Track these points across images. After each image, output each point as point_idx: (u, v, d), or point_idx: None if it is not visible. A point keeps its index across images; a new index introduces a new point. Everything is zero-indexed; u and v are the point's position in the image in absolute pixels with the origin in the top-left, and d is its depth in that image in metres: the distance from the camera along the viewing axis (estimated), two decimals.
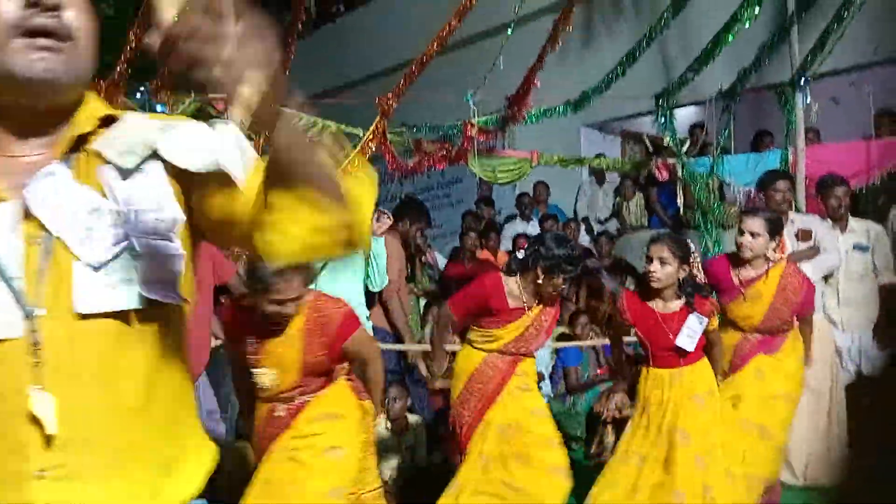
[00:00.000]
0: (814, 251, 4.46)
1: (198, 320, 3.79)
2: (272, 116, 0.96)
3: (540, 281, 3.25)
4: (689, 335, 3.19)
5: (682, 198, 5.94)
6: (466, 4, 4.18)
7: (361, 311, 4.48)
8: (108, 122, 1.16)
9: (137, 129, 1.16)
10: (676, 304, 3.26)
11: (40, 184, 1.07)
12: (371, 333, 4.25)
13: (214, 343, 3.99)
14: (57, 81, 1.08)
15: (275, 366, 2.74)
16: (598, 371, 5.86)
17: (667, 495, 3.09)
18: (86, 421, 1.07)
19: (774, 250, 3.54)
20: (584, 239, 7.24)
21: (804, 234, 4.59)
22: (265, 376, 2.74)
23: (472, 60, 5.94)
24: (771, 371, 3.53)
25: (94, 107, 1.17)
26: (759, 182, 4.81)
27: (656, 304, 3.27)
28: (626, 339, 3.77)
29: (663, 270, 3.19)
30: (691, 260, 3.29)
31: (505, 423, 3.28)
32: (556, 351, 6.06)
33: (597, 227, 7.78)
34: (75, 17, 1.09)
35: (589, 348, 5.88)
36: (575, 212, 8.19)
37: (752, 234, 3.48)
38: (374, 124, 4.57)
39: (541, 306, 3.35)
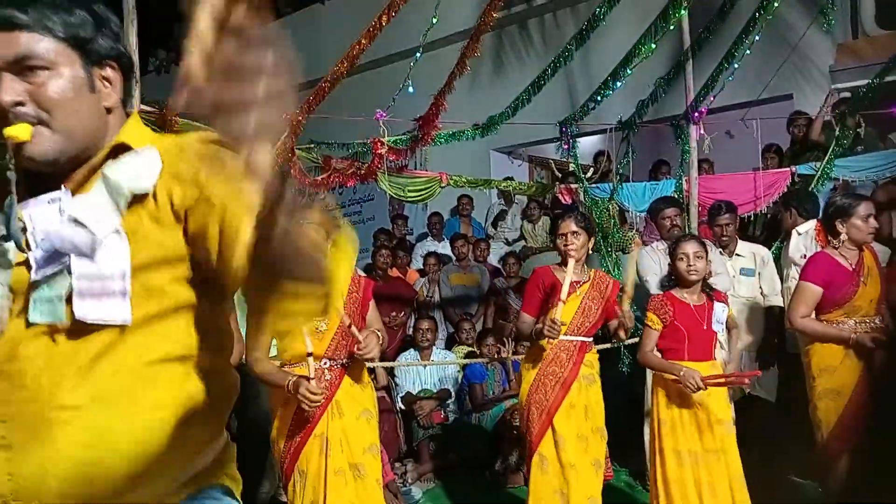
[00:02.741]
0: (707, 274, 4.69)
1: None
2: (279, 191, 0.91)
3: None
4: (717, 321, 3.61)
5: None
6: (377, 25, 4.23)
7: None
8: (122, 149, 1.21)
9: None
10: (702, 298, 3.66)
11: (35, 209, 1.17)
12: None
13: None
14: (51, 156, 1.16)
15: None
16: (504, 388, 5.95)
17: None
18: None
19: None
20: (493, 259, 7.38)
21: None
22: None
23: (384, 82, 6.00)
24: None
25: (115, 138, 1.23)
26: (649, 209, 5.03)
27: (691, 299, 3.66)
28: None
29: (701, 265, 3.59)
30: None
31: (580, 405, 3.59)
32: (462, 368, 6.13)
33: (505, 248, 7.95)
34: (45, 97, 1.14)
35: (494, 365, 5.97)
36: (485, 232, 8.35)
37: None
38: (281, 139, 4.53)
39: (589, 282, 3.68)
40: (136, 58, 4.08)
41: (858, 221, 3.70)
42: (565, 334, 3.62)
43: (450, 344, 6.64)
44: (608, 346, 5.77)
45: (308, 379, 2.95)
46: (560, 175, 6.86)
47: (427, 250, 7.61)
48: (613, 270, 5.88)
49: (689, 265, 3.59)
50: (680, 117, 5.97)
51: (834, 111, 6.46)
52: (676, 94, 6.23)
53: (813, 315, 3.73)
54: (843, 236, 3.71)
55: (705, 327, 3.62)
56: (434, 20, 4.43)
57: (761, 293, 4.88)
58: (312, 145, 5.08)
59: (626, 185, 6.15)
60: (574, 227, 3.64)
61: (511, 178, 7.59)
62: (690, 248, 3.61)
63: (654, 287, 4.58)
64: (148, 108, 4.22)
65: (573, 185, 6.33)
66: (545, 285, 3.68)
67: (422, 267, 7.38)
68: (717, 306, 3.63)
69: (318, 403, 2.96)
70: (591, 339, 3.72)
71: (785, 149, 6.99)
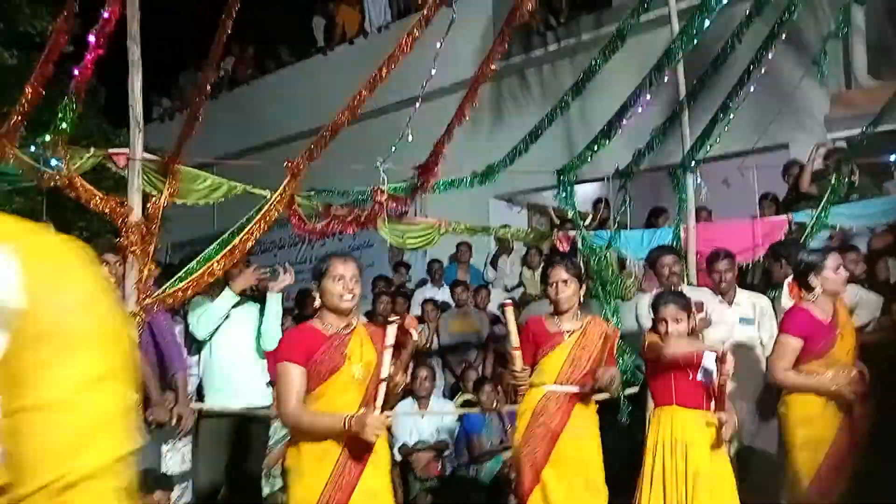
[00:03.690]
0: (706, 322, 4.68)
1: None
2: None
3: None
4: (705, 371, 3.55)
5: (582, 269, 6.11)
6: (377, 75, 4.30)
7: (257, 366, 4.42)
8: None
9: None
10: (692, 346, 3.63)
11: None
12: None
13: None
14: None
15: None
16: (502, 438, 5.87)
17: None
18: None
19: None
20: (493, 306, 7.36)
21: (696, 307, 4.83)
22: None
23: (384, 131, 6.07)
24: None
25: None
26: (647, 257, 5.05)
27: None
28: None
29: (681, 327, 3.59)
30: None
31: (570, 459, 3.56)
32: (460, 418, 6.05)
33: (504, 295, 7.93)
34: None
35: (492, 415, 5.90)
36: (484, 279, 8.34)
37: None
38: (281, 186, 4.56)
39: (582, 330, 3.67)
40: (140, 106, 4.14)
41: (830, 273, 3.76)
42: (555, 383, 3.60)
43: (451, 392, 6.58)
44: (607, 395, 5.73)
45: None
46: (558, 222, 6.89)
47: (425, 297, 7.60)
48: (612, 318, 5.86)
49: (668, 330, 3.59)
50: (677, 166, 6.02)
51: (826, 160, 6.53)
52: (673, 143, 6.30)
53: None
54: (818, 289, 3.75)
55: (690, 378, 3.58)
56: (433, 71, 4.50)
57: (760, 342, 4.85)
58: (313, 192, 5.12)
59: (624, 233, 6.18)
60: (564, 275, 3.65)
61: (508, 226, 7.62)
62: (668, 312, 3.60)
63: None
64: (150, 157, 4.27)
65: (571, 233, 6.35)
66: (535, 335, 3.68)
67: (420, 313, 7.36)
68: (707, 356, 3.57)
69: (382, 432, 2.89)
70: (585, 388, 3.65)
71: (782, 197, 7.04)
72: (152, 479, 3.64)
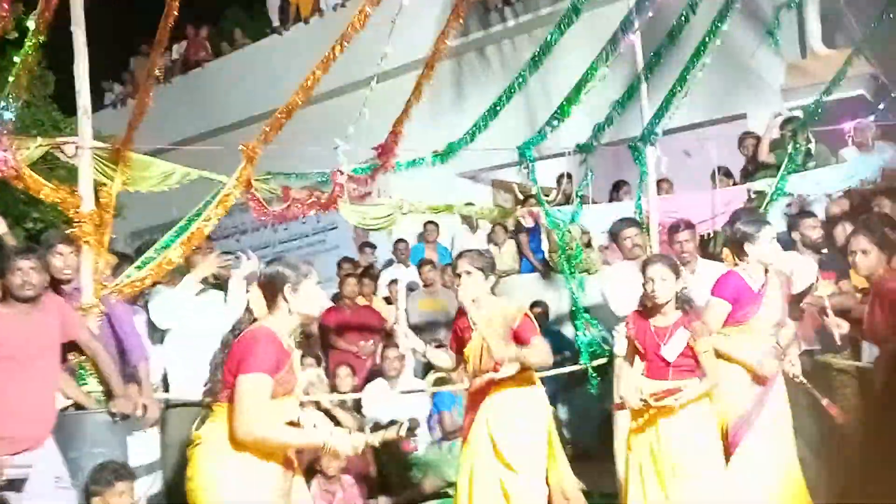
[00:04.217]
0: (706, 330, 4.70)
1: (41, 380, 3.54)
2: None
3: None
4: (671, 348, 3.57)
5: (546, 244, 6.16)
6: (331, 55, 4.23)
7: None
8: None
9: None
10: (671, 320, 3.63)
11: None
12: None
13: (63, 403, 3.73)
14: None
15: None
16: None
17: None
18: None
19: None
20: None
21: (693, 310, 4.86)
22: None
23: (342, 111, 5.99)
24: None
25: None
26: (610, 230, 5.08)
27: (656, 320, 3.66)
28: None
29: (663, 288, 3.57)
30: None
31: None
32: (432, 396, 6.08)
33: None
34: None
35: (464, 392, 5.93)
36: (452, 257, 8.34)
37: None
38: (237, 170, 4.48)
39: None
40: (87, 93, 4.02)
41: (764, 244, 3.82)
42: (474, 377, 3.65)
43: (423, 372, 6.59)
44: (575, 367, 5.79)
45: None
46: (522, 198, 6.90)
47: (392, 277, 7.57)
48: (578, 291, 5.90)
49: (652, 290, 3.60)
50: (636, 139, 6.05)
51: (783, 129, 6.62)
52: (633, 116, 6.32)
53: None
54: (751, 257, 3.83)
55: (660, 351, 3.62)
56: (387, 49, 4.44)
57: None
58: (270, 176, 5.03)
59: (587, 207, 6.20)
60: (467, 267, 3.65)
61: (472, 204, 7.62)
62: (655, 272, 3.61)
63: (618, 309, 4.59)
64: (100, 144, 4.16)
65: (535, 209, 6.36)
66: (461, 330, 3.78)
67: (387, 295, 7.34)
68: (678, 333, 3.60)
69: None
70: (498, 374, 3.62)
71: (740, 167, 7.13)
72: (114, 472, 3.58)
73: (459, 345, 3.80)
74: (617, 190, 7.19)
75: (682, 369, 3.58)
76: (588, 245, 6.40)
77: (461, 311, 3.77)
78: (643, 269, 3.69)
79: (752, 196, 6.20)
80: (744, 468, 3.60)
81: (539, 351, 3.59)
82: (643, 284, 3.66)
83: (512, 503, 3.52)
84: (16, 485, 3.34)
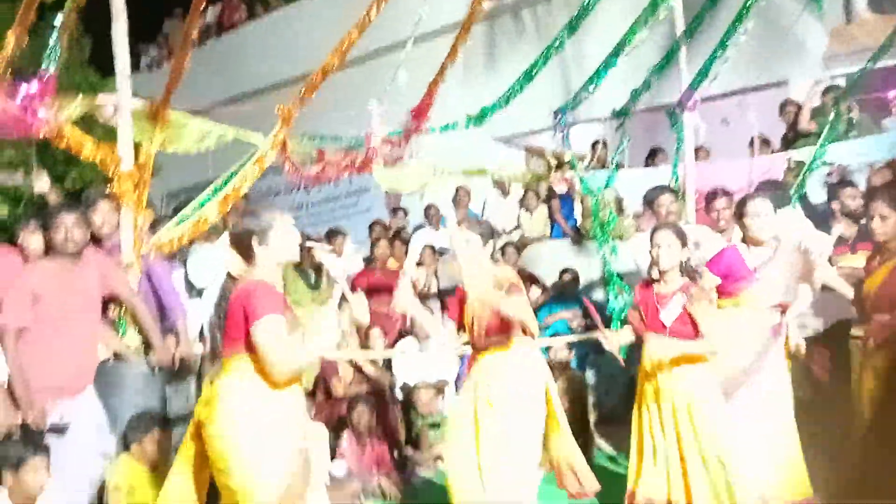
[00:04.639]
0: (707, 294, 4.69)
1: (82, 331, 3.65)
2: None
3: None
4: (667, 313, 3.61)
5: (579, 209, 6.13)
6: (366, 18, 4.21)
7: None
8: None
9: None
10: (675, 286, 3.65)
11: None
12: None
13: (104, 354, 3.85)
14: None
15: None
16: None
17: None
18: None
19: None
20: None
21: (695, 246, 4.84)
22: None
23: (377, 74, 5.98)
24: None
25: None
26: (645, 197, 5.04)
27: (659, 287, 3.69)
28: None
29: (667, 255, 3.59)
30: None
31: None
32: (461, 358, 6.14)
33: (502, 239, 7.94)
34: None
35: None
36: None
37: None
38: (273, 132, 4.51)
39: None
40: (126, 55, 4.07)
41: (762, 220, 3.88)
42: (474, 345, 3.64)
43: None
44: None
45: None
46: (555, 163, 6.84)
47: (423, 242, 7.60)
48: (611, 257, 5.88)
49: (656, 255, 3.64)
50: (675, 105, 5.95)
51: (825, 97, 6.45)
52: (671, 81, 6.21)
53: None
54: (750, 232, 3.92)
55: (659, 316, 3.65)
56: (422, 11, 4.41)
57: None
58: (305, 137, 5.06)
59: (622, 173, 6.15)
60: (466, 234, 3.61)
61: (505, 168, 7.58)
62: (661, 238, 3.64)
63: (653, 276, 4.57)
64: (139, 103, 4.21)
65: (569, 174, 6.33)
66: (460, 300, 3.73)
67: (418, 258, 7.37)
68: (675, 298, 3.62)
69: None
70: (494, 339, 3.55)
71: (781, 135, 6.99)
72: (151, 420, 3.71)
73: (461, 312, 3.77)
74: (653, 157, 7.09)
75: (682, 336, 3.58)
76: (621, 211, 6.35)
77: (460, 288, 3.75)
78: (651, 235, 3.71)
79: (792, 165, 6.08)
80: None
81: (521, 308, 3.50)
82: (649, 251, 3.68)
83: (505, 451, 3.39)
84: (59, 430, 3.48)
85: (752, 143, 6.44)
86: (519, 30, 8.22)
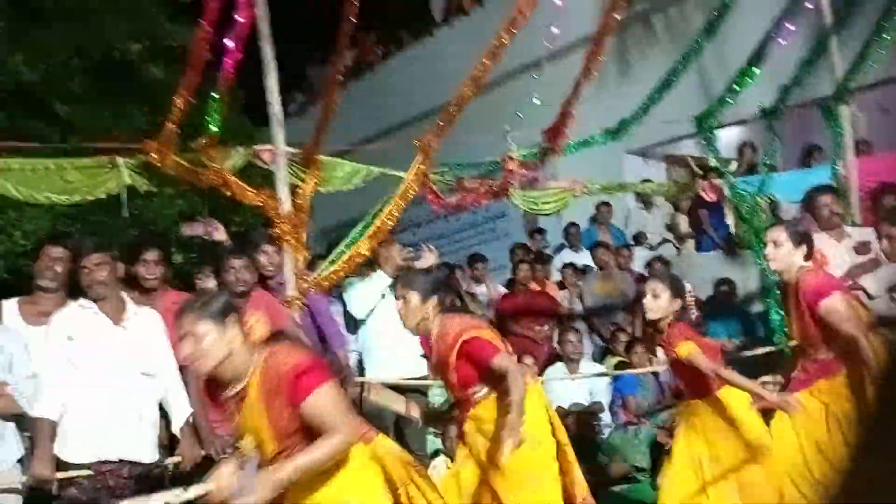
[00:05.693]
0: (874, 264, 4.33)
1: None
2: None
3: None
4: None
5: (732, 218, 5.85)
6: (498, 44, 4.27)
7: (413, 340, 4.32)
8: None
9: None
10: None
11: None
12: None
13: None
14: None
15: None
16: (659, 398, 5.77)
17: None
18: None
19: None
20: (638, 265, 7.17)
21: (863, 248, 4.48)
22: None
23: (508, 98, 6.03)
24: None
25: None
26: (803, 199, 4.73)
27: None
28: None
29: (656, 303, 3.38)
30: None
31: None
32: (614, 380, 5.99)
33: (647, 254, 7.71)
34: None
35: (647, 375, 5.80)
36: (625, 239, 8.13)
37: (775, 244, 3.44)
38: (415, 165, 4.66)
39: (434, 349, 3.23)
40: (278, 103, 4.36)
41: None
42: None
43: (600, 356, 6.51)
44: (767, 349, 5.45)
45: None
46: (700, 172, 6.57)
47: (564, 262, 7.52)
48: (767, 268, 5.53)
49: (645, 304, 3.46)
50: (829, 98, 5.56)
51: None
52: (822, 73, 5.81)
53: None
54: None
55: None
56: (554, 29, 4.40)
57: None
58: (445, 168, 5.18)
59: (775, 176, 5.80)
60: (401, 291, 3.20)
61: (649, 180, 7.37)
62: (649, 286, 3.44)
63: None
64: (293, 150, 4.49)
65: (717, 181, 6.04)
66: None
67: (560, 278, 7.31)
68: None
69: None
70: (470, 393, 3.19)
71: None
72: None
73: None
74: (808, 156, 6.64)
75: None
76: (777, 217, 5.98)
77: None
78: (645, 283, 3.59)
79: None
80: None
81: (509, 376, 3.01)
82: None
83: None
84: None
85: None
86: (650, 37, 8.00)
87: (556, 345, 6.41)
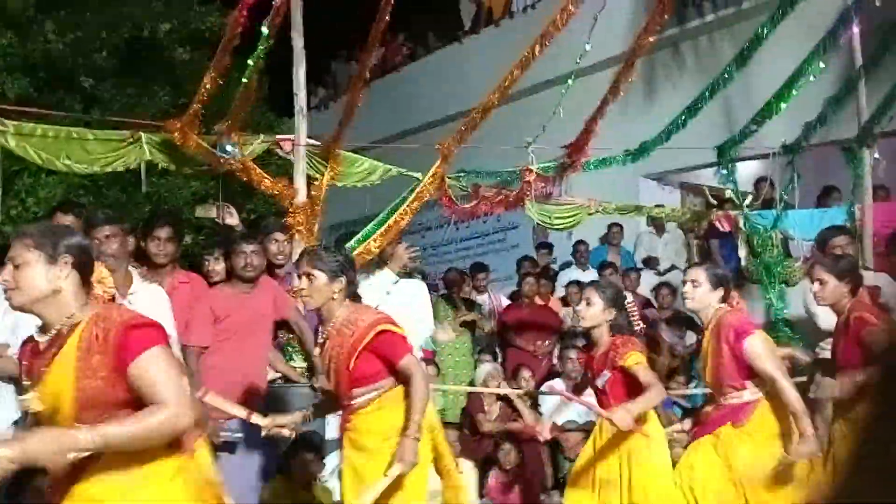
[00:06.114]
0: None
1: (255, 352, 3.89)
2: None
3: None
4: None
5: (744, 251, 5.83)
6: (529, 55, 4.28)
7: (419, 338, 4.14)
8: None
9: None
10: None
11: None
12: None
13: (272, 376, 4.08)
14: None
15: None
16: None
17: None
18: None
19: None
20: (645, 290, 7.14)
21: (873, 292, 4.45)
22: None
23: (532, 110, 6.02)
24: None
25: None
26: (817, 238, 4.71)
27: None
28: None
29: (589, 311, 3.40)
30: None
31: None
32: None
33: (656, 279, 7.68)
34: None
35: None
36: (634, 262, 8.10)
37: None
38: (433, 168, 4.66)
39: (333, 334, 2.94)
40: (304, 95, 4.38)
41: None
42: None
43: None
44: None
45: None
46: (715, 202, 6.56)
47: (570, 279, 7.50)
48: (777, 303, 5.52)
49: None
50: (852, 140, 5.54)
51: None
52: (847, 115, 5.80)
53: None
54: None
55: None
56: (587, 46, 4.40)
57: None
58: (462, 174, 5.19)
59: (791, 213, 5.78)
60: (306, 268, 2.88)
61: (663, 206, 7.35)
62: (587, 292, 3.48)
63: (825, 323, 4.24)
64: (314, 142, 4.50)
65: (732, 213, 6.03)
66: None
67: (564, 296, 7.28)
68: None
69: None
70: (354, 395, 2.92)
71: None
72: (305, 442, 3.86)
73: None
74: (826, 196, 6.62)
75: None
76: (789, 253, 5.96)
77: None
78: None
79: None
80: None
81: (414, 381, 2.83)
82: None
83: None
84: (229, 447, 3.70)
85: None
86: (679, 63, 8.00)
87: (555, 361, 6.38)
